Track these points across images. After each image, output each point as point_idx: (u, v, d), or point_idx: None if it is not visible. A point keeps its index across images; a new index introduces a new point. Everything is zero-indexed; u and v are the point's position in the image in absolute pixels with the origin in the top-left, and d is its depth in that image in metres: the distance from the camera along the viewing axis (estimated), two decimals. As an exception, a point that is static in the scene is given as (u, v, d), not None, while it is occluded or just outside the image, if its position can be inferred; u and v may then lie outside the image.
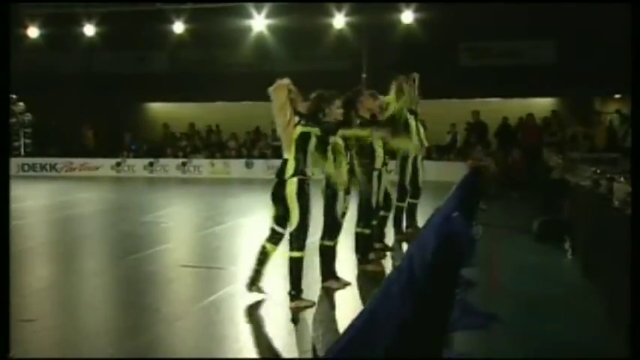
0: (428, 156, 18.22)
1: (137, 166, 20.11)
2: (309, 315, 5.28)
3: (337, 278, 6.05)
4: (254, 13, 19.28)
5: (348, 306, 5.54)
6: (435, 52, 18.65)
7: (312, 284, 5.90)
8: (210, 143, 21.07)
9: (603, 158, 9.51)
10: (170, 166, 20.01)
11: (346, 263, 6.64)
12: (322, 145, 5.64)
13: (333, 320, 5.20)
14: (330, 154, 5.73)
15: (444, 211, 7.26)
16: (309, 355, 4.41)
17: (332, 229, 5.94)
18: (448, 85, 18.56)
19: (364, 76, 18.95)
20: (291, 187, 5.39)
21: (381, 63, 18.68)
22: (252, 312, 5.38)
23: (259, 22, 19.38)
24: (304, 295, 5.49)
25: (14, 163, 20.40)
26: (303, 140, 5.44)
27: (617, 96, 19.09)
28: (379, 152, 6.76)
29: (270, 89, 5.49)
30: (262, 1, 19.05)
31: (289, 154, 5.44)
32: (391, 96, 7.72)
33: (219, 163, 19.92)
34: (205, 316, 5.30)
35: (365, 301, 5.34)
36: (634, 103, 4.24)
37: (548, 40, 18.61)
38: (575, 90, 17.69)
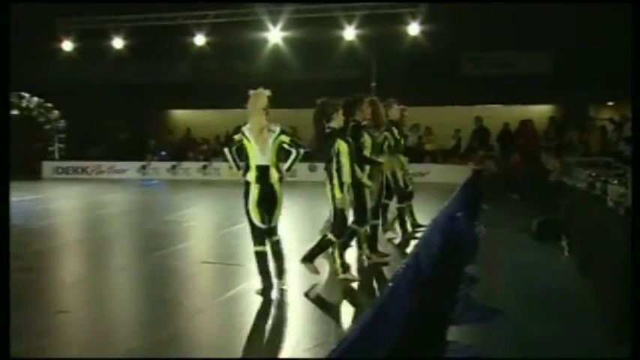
0: (433, 159, 18.40)
1: (161, 168, 20.17)
2: (324, 305, 5.25)
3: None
4: (270, 26, 19.32)
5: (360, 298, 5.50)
6: (439, 62, 18.65)
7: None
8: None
9: (598, 162, 9.45)
10: (192, 169, 20.05)
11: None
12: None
13: (348, 312, 5.17)
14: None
15: (449, 211, 7.25)
16: (321, 344, 4.38)
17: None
18: (452, 92, 18.55)
19: (373, 84, 18.96)
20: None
21: (389, 72, 18.71)
22: (269, 305, 5.37)
23: (275, 35, 19.41)
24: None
25: (49, 166, 20.59)
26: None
27: (610, 103, 18.98)
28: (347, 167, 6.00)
29: (252, 92, 5.64)
30: (273, 0, 19.04)
31: (272, 160, 5.58)
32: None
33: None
34: (225, 309, 5.29)
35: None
36: (634, 103, 4.17)
37: (545, 51, 18.57)
38: (571, 97, 17.65)
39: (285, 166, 5.67)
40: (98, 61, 21.69)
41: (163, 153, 20.81)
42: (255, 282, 5.91)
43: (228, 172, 6.36)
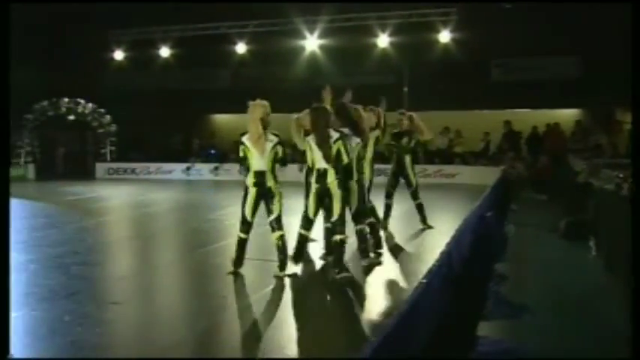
0: (463, 161, 18.21)
1: (204, 170, 20.40)
2: (362, 299, 5.25)
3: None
4: (307, 34, 19.42)
5: (395, 286, 5.48)
6: (469, 68, 18.49)
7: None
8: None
9: (625, 163, 9.24)
10: (232, 170, 20.19)
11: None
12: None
13: (383, 306, 5.15)
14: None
15: (479, 211, 7.18)
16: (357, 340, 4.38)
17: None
18: (481, 97, 18.35)
19: (406, 89, 18.88)
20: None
21: (421, 78, 18.60)
22: (306, 299, 5.39)
23: (312, 43, 19.49)
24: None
25: (101, 167, 21.03)
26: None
27: (637, 106, 18.49)
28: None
29: (250, 103, 6.02)
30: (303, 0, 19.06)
31: (268, 166, 6.05)
32: None
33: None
34: (264, 303, 5.33)
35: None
36: (634, 103, 4.06)
37: (572, 56, 18.23)
38: (598, 101, 17.29)
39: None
40: (146, 69, 22.13)
41: (213, 152, 21.04)
42: (293, 278, 5.94)
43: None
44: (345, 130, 6.39)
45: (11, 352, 3.71)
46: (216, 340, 4.43)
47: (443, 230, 8.43)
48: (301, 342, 4.35)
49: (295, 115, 6.85)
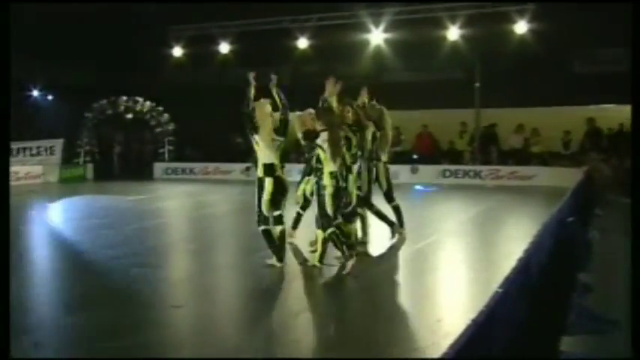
0: (541, 162, 17.72)
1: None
2: (435, 307, 5.19)
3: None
4: (372, 27, 19.31)
5: (470, 294, 5.38)
6: (547, 60, 17.94)
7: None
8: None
9: None
10: (293, 170, 20.30)
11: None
12: None
13: (457, 315, 5.07)
14: None
15: (559, 215, 6.94)
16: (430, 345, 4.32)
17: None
18: (561, 92, 17.76)
19: (477, 85, 18.51)
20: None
21: (494, 72, 18.19)
22: (376, 307, 5.36)
23: (377, 36, 19.36)
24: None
25: (159, 167, 21.63)
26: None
27: None
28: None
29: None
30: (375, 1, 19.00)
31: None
32: None
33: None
34: (327, 309, 5.33)
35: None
36: (634, 103, 3.99)
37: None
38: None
39: None
40: (205, 66, 22.63)
41: None
42: (356, 283, 5.93)
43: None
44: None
45: (11, 353, 3.79)
46: (272, 345, 4.46)
47: (518, 236, 8.23)
48: (373, 343, 4.33)
49: (298, 113, 7.51)
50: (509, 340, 3.36)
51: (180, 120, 21.89)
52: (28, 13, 18.22)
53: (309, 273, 6.78)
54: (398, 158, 19.40)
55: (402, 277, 6.63)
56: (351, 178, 6.96)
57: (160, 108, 21.77)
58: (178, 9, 20.59)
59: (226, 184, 18.76)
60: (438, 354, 3.92)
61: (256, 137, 6.72)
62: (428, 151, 19.25)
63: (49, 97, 24.93)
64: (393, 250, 7.90)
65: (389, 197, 8.43)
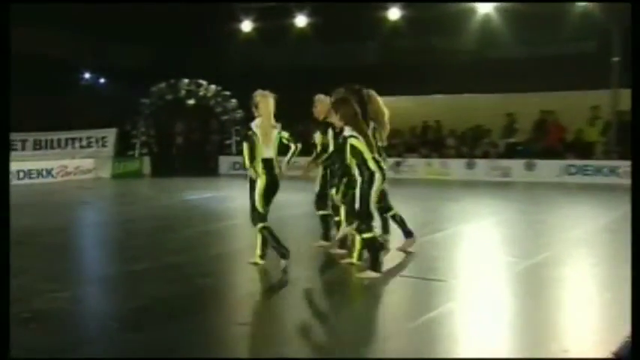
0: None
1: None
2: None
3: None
4: (480, -8, 18.90)
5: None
6: None
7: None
8: (426, 141, 21.10)
9: None
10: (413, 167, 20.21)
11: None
12: None
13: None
14: None
15: None
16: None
17: None
18: None
19: (616, 59, 17.64)
20: None
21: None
22: (476, 331, 5.24)
23: (485, 5, 18.94)
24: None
25: (226, 161, 22.02)
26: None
27: None
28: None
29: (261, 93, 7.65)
30: None
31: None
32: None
33: (436, 162, 19.90)
34: (423, 334, 5.24)
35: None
36: (634, 101, 4.36)
37: None
38: None
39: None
40: (279, 44, 22.82)
41: None
42: (462, 302, 5.81)
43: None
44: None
45: (11, 353, 4.04)
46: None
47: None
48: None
49: (320, 95, 8.79)
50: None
51: (249, 106, 22.20)
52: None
53: (405, 287, 6.71)
54: (512, 152, 18.95)
55: (516, 297, 6.44)
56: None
57: (227, 92, 21.98)
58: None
59: (309, 183, 18.89)
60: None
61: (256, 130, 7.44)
62: (552, 142, 18.65)
63: (101, 81, 25.89)
64: (504, 265, 7.71)
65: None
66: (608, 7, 17.50)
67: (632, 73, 4.49)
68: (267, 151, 7.42)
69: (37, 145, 19.70)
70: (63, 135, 20.12)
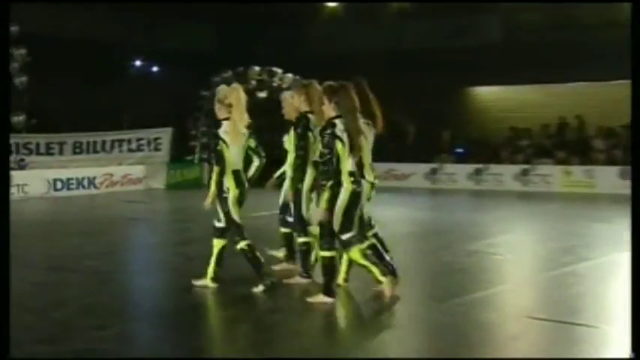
0: None
1: (459, 174, 20.51)
2: None
3: None
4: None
5: None
6: None
7: None
8: (564, 142, 20.66)
9: None
10: (506, 174, 20.04)
11: None
12: None
13: None
14: None
15: None
16: None
17: None
18: None
19: None
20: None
21: None
22: None
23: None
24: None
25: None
26: None
27: None
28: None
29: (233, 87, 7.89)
30: None
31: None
32: None
33: (577, 170, 19.45)
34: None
35: None
36: (634, 100, 4.88)
37: None
38: None
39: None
40: (371, 22, 22.83)
41: (460, 150, 21.12)
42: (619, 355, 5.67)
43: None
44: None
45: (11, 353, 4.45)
46: None
47: None
48: None
49: (287, 93, 8.86)
50: None
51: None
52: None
53: (537, 333, 6.57)
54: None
55: None
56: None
57: (314, 81, 22.10)
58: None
59: (405, 193, 18.80)
60: None
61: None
62: None
63: (154, 69, 26.41)
64: None
65: None
66: None
67: (632, 73, 4.93)
68: (238, 160, 7.79)
69: (77, 149, 20.16)
70: (108, 136, 20.50)
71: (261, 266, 7.78)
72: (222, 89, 7.90)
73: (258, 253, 7.81)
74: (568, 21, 21.11)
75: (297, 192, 8.20)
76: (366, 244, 7.52)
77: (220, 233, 7.91)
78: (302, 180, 8.17)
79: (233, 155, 7.69)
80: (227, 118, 7.66)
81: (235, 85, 7.93)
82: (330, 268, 7.30)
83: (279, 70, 21.86)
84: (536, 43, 21.14)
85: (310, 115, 8.13)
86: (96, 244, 11.55)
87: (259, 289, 7.62)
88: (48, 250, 11.02)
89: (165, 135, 21.26)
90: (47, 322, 6.72)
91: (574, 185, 19.17)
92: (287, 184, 8.59)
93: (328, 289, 7.28)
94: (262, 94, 22.27)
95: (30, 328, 6.34)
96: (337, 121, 7.20)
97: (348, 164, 7.16)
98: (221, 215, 7.79)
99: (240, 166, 7.81)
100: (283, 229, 9.02)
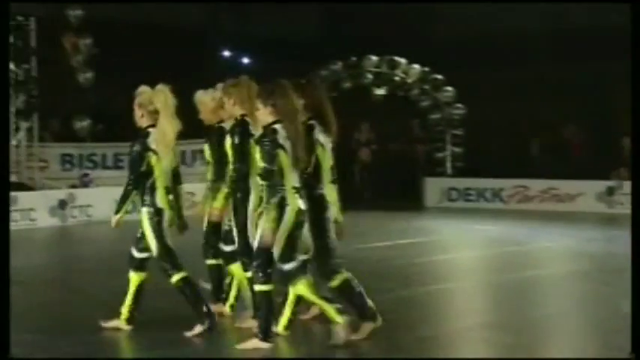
0: None
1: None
2: None
3: None
4: None
5: None
6: None
7: None
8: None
9: None
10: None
11: None
12: None
13: None
14: None
15: None
16: None
17: None
18: None
19: None
20: None
21: None
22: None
23: None
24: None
25: (436, 185, 21.87)
26: None
27: None
28: None
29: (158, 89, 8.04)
30: None
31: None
32: None
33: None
34: None
35: None
36: (634, 99, 5.86)
37: None
38: None
39: None
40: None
41: None
42: None
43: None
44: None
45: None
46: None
47: None
48: None
49: (201, 93, 8.95)
50: None
51: (475, 99, 21.94)
52: None
53: None
54: None
55: None
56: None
57: (439, 76, 21.91)
58: None
59: (570, 219, 18.48)
60: None
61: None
62: None
63: (244, 60, 26.73)
64: None
65: None
66: None
67: (632, 73, 5.77)
68: (169, 176, 8.20)
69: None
70: (188, 146, 20.55)
71: (202, 303, 8.01)
72: (143, 91, 8.10)
73: (198, 288, 8.23)
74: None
75: (239, 212, 8.24)
76: (310, 277, 7.69)
77: (138, 265, 8.22)
78: (244, 199, 8.19)
79: (164, 169, 8.08)
80: (152, 126, 7.99)
81: (161, 86, 8.07)
82: (267, 305, 7.53)
83: (403, 60, 21.74)
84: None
85: (247, 119, 8.20)
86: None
87: (195, 331, 7.85)
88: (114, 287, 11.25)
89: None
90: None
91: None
92: (218, 201, 8.67)
93: (265, 333, 7.46)
94: (381, 91, 22.09)
95: None
96: (277, 127, 7.47)
97: (292, 178, 7.48)
98: (151, 243, 8.01)
99: (169, 182, 8.19)
100: (211, 261, 9.10)
